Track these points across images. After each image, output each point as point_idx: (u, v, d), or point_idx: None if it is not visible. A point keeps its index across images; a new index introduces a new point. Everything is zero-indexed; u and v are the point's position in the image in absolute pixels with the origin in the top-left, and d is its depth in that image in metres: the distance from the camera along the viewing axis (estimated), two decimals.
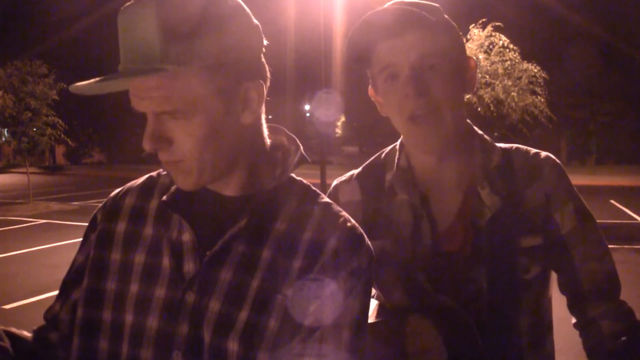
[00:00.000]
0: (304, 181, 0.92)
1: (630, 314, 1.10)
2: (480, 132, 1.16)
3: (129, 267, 0.86)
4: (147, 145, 0.78)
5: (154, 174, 0.96)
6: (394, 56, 1.04)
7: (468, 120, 1.15)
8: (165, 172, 0.92)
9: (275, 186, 0.85)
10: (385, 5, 1.07)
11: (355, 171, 1.24)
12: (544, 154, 1.13)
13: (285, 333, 0.78)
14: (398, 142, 1.20)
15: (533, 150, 1.14)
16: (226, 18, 0.78)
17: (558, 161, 1.12)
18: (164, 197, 0.87)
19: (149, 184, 0.94)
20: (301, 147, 0.92)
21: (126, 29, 0.75)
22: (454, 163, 1.11)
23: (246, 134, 0.85)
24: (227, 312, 0.79)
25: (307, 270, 0.81)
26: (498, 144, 1.15)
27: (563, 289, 1.15)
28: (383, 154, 1.23)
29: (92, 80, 0.75)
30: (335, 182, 1.24)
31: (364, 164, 1.25)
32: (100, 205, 0.96)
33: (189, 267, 0.82)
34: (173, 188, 0.88)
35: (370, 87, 1.16)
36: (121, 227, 0.90)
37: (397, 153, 1.17)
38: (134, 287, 0.84)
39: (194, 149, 0.78)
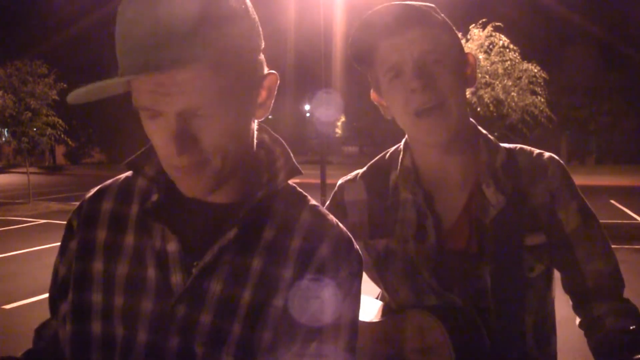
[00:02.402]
0: (290, 183, 0.89)
1: (635, 311, 1.10)
2: (484, 131, 1.17)
3: (112, 279, 0.82)
4: (175, 148, 0.71)
5: (129, 174, 0.90)
6: (398, 54, 1.04)
7: (472, 120, 1.16)
8: (141, 174, 0.85)
9: (263, 195, 0.82)
10: (384, 5, 1.08)
11: (360, 171, 1.25)
12: (547, 154, 1.14)
13: (279, 344, 0.77)
14: (402, 142, 1.20)
15: (537, 151, 1.15)
16: (243, 8, 0.75)
17: (561, 161, 1.13)
18: (146, 205, 0.83)
19: (127, 187, 0.88)
20: (292, 156, 0.87)
21: (143, 15, 0.66)
22: (459, 161, 1.12)
23: (252, 132, 0.83)
24: (219, 326, 0.77)
25: (298, 280, 0.79)
26: (502, 144, 1.16)
27: (567, 288, 1.15)
28: (387, 154, 1.23)
29: (107, 80, 0.66)
30: (340, 182, 1.25)
31: (369, 164, 1.25)
32: (75, 209, 0.90)
33: (177, 278, 0.78)
34: (154, 196, 0.83)
35: (372, 91, 1.16)
36: (101, 235, 0.85)
37: (402, 153, 1.18)
38: (119, 300, 0.80)
39: (223, 146, 0.74)
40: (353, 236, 0.86)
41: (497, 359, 1.05)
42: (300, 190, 0.90)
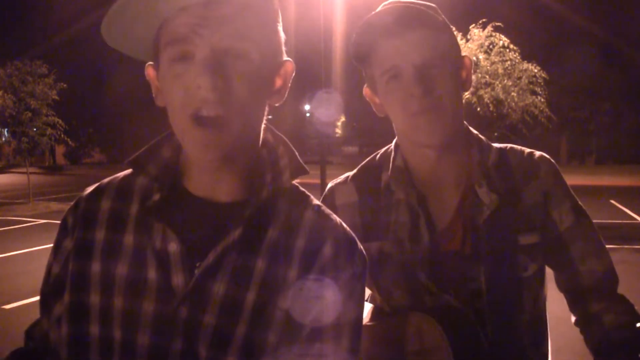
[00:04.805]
0: (292, 182, 0.87)
1: (631, 307, 1.11)
2: (475, 132, 1.17)
3: (110, 280, 0.79)
4: (208, 81, 0.70)
5: (128, 172, 0.87)
6: (397, 57, 1.03)
7: (464, 121, 1.16)
8: (143, 174, 0.83)
9: (268, 194, 0.81)
10: (386, 4, 1.08)
11: (351, 173, 1.24)
12: (538, 153, 1.14)
13: (284, 345, 0.76)
14: (393, 143, 1.20)
15: (527, 150, 1.15)
16: None
17: (552, 160, 1.14)
18: (147, 203, 0.81)
19: (127, 185, 0.85)
20: (297, 155, 0.86)
21: None
22: (452, 161, 1.11)
23: (262, 120, 0.82)
24: (223, 327, 0.75)
25: (302, 280, 0.78)
26: (493, 144, 1.16)
27: (562, 286, 1.15)
28: (378, 155, 1.23)
29: None
30: (330, 185, 1.23)
31: (359, 166, 1.24)
32: (70, 207, 0.87)
33: (178, 279, 0.76)
34: (156, 195, 0.80)
35: (365, 87, 1.16)
36: (100, 235, 0.82)
37: (393, 153, 1.17)
38: (118, 301, 0.78)
39: (247, 100, 0.74)
40: None
41: (494, 358, 1.05)
42: (303, 189, 0.89)
